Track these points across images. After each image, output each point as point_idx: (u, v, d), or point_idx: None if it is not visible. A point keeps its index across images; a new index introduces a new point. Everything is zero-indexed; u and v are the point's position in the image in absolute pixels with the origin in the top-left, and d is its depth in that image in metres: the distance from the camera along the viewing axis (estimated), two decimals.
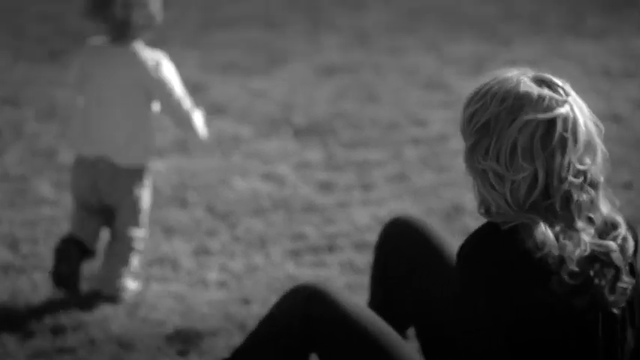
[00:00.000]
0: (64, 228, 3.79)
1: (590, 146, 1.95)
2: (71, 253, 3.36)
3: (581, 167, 1.95)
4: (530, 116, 1.90)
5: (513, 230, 1.94)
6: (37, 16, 7.50)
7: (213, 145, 4.76)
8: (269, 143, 4.88)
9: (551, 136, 1.91)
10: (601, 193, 2.00)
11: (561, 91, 1.94)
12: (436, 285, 2.56)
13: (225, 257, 3.73)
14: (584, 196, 1.96)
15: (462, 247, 2.00)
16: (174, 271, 3.61)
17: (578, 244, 1.96)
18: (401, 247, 2.68)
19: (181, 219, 4.03)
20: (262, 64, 6.21)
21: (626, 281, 2.01)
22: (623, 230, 2.04)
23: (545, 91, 1.92)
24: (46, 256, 3.61)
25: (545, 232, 1.93)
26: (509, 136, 1.92)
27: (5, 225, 3.96)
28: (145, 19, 3.37)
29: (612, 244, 2.01)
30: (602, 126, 2.00)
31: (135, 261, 3.50)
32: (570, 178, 1.94)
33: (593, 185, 1.97)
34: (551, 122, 1.91)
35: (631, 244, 2.05)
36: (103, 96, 3.43)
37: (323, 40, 6.76)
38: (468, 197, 4.09)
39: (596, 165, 1.98)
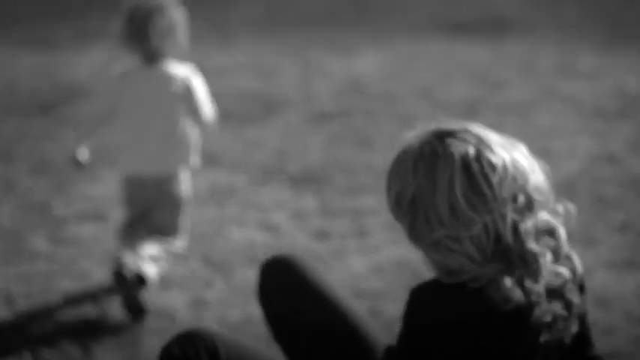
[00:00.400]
0: (59, 283, 3.77)
1: (519, 174, 1.94)
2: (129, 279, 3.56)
3: (519, 198, 1.94)
4: (447, 172, 1.89)
5: (477, 290, 1.90)
6: (29, 70, 7.54)
7: (207, 195, 4.75)
8: (264, 192, 4.87)
9: (474, 180, 1.89)
10: (544, 215, 1.98)
11: (464, 135, 1.92)
12: (312, 321, 2.50)
13: (222, 308, 3.70)
14: (529, 224, 1.94)
15: (415, 316, 1.94)
16: (171, 323, 3.58)
17: (540, 281, 1.94)
18: (278, 287, 2.58)
19: (177, 270, 4.00)
20: (255, 112, 6.22)
21: (580, 307, 2.03)
22: (565, 249, 2.02)
23: (449, 141, 1.90)
24: (42, 311, 3.59)
25: (510, 284, 1.91)
26: (440, 200, 1.89)
27: (0, 280, 3.93)
28: (175, 47, 3.81)
29: (565, 272, 2.00)
30: (525, 154, 2.01)
31: (159, 250, 3.77)
32: (511, 213, 1.91)
33: (531, 208, 1.95)
34: (466, 167, 1.89)
35: (577, 263, 2.06)
36: (140, 116, 3.80)
37: (315, 87, 6.77)
38: None
39: (534, 189, 1.96)
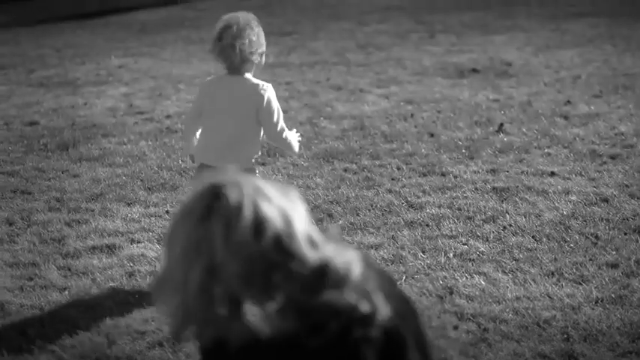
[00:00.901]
0: (70, 311, 3.96)
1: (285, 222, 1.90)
2: None
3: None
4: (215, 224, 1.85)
5: None
6: (50, 110, 7.79)
7: None
8: None
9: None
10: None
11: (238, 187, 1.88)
12: None
13: None
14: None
15: None
16: None
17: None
18: None
19: None
20: (262, 149, 6.42)
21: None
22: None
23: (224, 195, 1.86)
24: (53, 338, 3.77)
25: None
26: (227, 259, 1.84)
27: (14, 309, 4.13)
28: (255, 63, 4.41)
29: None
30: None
31: None
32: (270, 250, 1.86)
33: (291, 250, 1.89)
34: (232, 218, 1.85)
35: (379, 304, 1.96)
36: (222, 114, 4.43)
37: (323, 128, 6.98)
38: (461, 280, 4.27)
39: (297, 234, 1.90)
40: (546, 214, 5.10)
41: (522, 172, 5.83)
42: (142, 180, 5.85)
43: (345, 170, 5.99)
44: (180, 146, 6.41)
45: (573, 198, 5.34)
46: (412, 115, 7.30)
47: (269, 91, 4.38)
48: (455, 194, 5.48)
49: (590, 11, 13.00)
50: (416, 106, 7.62)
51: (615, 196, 5.36)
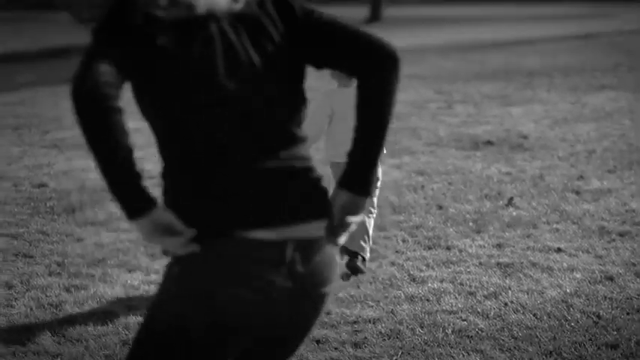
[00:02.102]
0: None
1: None
2: None
3: None
4: None
5: None
6: (61, 172, 7.83)
7: None
8: None
9: None
10: None
11: None
12: None
13: None
14: None
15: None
16: None
17: None
18: None
19: None
20: None
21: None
22: None
23: None
24: None
25: None
26: None
27: None
28: None
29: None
30: None
31: (372, 224, 5.50)
32: None
33: None
34: None
35: None
36: (345, 119, 4.92)
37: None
38: (458, 358, 4.21)
39: None
40: (549, 292, 5.04)
41: (528, 248, 5.78)
42: (144, 246, 5.84)
43: None
44: None
45: (578, 275, 5.28)
46: (422, 187, 7.28)
47: None
48: (458, 269, 5.43)
49: (613, 84, 13.00)
50: (427, 177, 7.60)
51: (621, 274, 5.29)
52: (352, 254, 5.41)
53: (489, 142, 8.86)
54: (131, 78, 2.32)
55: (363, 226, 5.41)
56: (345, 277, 5.30)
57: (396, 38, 21.19)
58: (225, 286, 2.29)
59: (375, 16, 28.25)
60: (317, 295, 2.40)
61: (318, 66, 2.49)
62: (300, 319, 2.43)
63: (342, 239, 2.44)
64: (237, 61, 2.33)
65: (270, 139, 2.36)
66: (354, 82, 4.40)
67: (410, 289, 5.11)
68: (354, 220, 2.43)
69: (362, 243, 5.41)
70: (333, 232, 2.40)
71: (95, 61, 2.25)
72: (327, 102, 5.46)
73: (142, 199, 2.25)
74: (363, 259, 5.42)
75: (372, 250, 5.74)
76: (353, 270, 5.38)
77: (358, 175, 2.43)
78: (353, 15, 29.08)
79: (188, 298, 2.31)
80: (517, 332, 4.50)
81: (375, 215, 5.55)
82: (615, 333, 4.50)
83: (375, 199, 5.53)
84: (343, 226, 2.42)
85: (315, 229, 2.36)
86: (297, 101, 2.44)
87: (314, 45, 2.44)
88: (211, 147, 2.32)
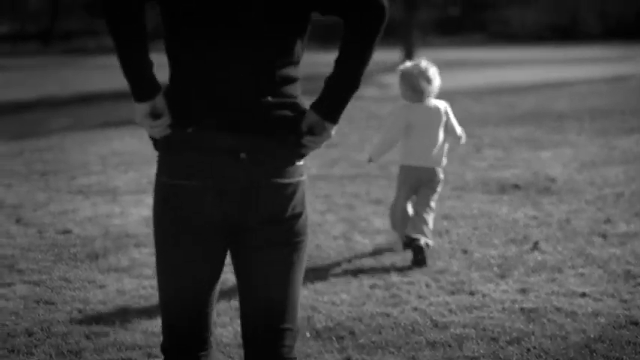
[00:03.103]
0: None
1: None
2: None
3: None
4: None
5: None
6: (85, 218, 7.85)
7: (233, 348, 4.89)
8: None
9: None
10: None
11: None
12: None
13: None
14: None
15: None
16: None
17: None
18: None
19: None
20: None
21: None
22: None
23: None
24: None
25: None
26: None
27: None
28: (435, 89, 6.62)
29: None
30: None
31: (432, 219, 6.60)
32: None
33: None
34: None
35: None
36: (421, 129, 6.58)
37: (356, 243, 6.95)
38: None
39: None
40: (573, 337, 4.97)
41: (553, 293, 5.71)
42: None
43: (373, 287, 5.92)
44: None
45: (602, 320, 5.21)
46: (447, 231, 7.24)
47: (448, 108, 6.72)
48: (481, 314, 5.38)
49: None
50: (452, 221, 7.56)
51: None
52: (414, 241, 6.35)
53: (516, 186, 8.80)
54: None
55: (421, 218, 6.52)
56: (403, 246, 6.56)
57: None
58: (185, 179, 2.87)
59: (407, 60, 28.38)
60: (272, 184, 2.91)
61: (323, 12, 2.97)
62: (266, 205, 2.92)
63: (305, 152, 2.98)
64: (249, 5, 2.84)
65: (265, 73, 2.90)
66: (425, 100, 6.56)
67: (432, 335, 5.06)
68: (317, 140, 2.97)
69: (424, 228, 6.47)
70: (299, 145, 2.94)
71: None
72: (404, 114, 6.60)
73: (150, 86, 2.86)
74: (427, 244, 6.40)
75: (394, 296, 5.72)
76: (418, 263, 6.35)
77: (329, 102, 2.96)
78: (385, 58, 29.20)
79: (157, 195, 2.96)
80: None
81: (434, 213, 6.76)
82: None
83: (436, 198, 6.72)
84: (307, 142, 2.95)
85: (275, 140, 2.89)
86: (295, 49, 2.96)
87: None
88: (216, 66, 2.87)
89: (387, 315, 5.38)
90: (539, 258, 6.46)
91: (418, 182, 6.62)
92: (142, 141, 12.83)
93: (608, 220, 7.46)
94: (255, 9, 2.84)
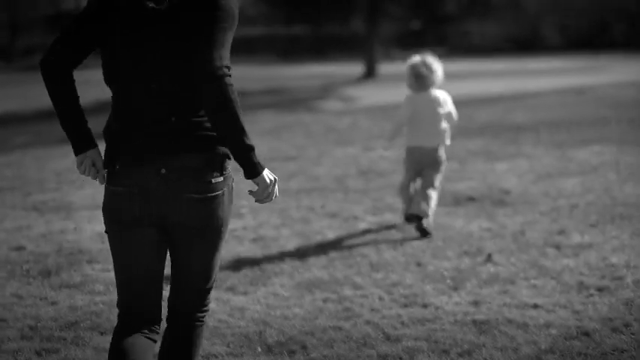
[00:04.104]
0: None
1: None
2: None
3: None
4: None
5: None
6: (39, 235, 7.79)
7: None
8: None
9: None
10: None
11: None
12: None
13: None
14: None
15: None
16: None
17: None
18: None
19: None
20: (246, 278, 6.39)
21: None
22: None
23: None
24: None
25: None
26: None
27: None
28: (437, 80, 7.72)
29: None
30: None
31: (435, 196, 7.58)
32: None
33: None
34: None
35: None
36: (424, 115, 7.69)
37: (310, 257, 6.95)
38: None
39: None
40: (524, 348, 4.99)
41: (505, 304, 5.74)
42: None
43: (326, 300, 5.92)
44: None
45: (554, 331, 5.24)
46: (402, 244, 7.25)
47: (447, 97, 7.81)
48: (433, 326, 5.39)
49: (599, 138, 13.02)
50: (407, 234, 7.58)
51: (597, 330, 5.25)
52: (417, 218, 7.37)
53: (471, 198, 8.85)
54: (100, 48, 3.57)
55: (425, 194, 7.50)
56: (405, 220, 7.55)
57: (387, 94, 21.26)
58: (119, 186, 3.54)
59: (368, 74, 28.39)
60: (189, 199, 3.51)
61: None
62: (183, 212, 3.54)
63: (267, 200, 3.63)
64: (158, 51, 3.47)
65: (172, 105, 3.49)
66: (428, 89, 7.70)
67: (383, 348, 5.06)
68: (259, 193, 3.57)
69: (424, 207, 7.38)
70: (261, 200, 3.62)
71: (63, 40, 3.51)
72: (410, 103, 7.71)
73: (86, 141, 3.59)
74: (427, 222, 7.44)
75: (347, 309, 5.72)
76: (421, 232, 7.41)
77: (243, 167, 3.47)
78: (347, 71, 29.26)
79: (104, 197, 3.66)
80: None
81: (438, 190, 7.79)
82: None
83: (439, 178, 7.73)
84: (255, 195, 3.60)
85: (187, 158, 3.49)
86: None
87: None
88: (134, 107, 3.52)
89: (340, 328, 5.38)
90: (493, 270, 6.49)
91: (420, 162, 7.68)
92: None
93: (562, 232, 7.51)
94: (159, 55, 3.48)
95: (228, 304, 5.86)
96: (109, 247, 6.81)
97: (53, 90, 3.52)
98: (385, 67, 28.75)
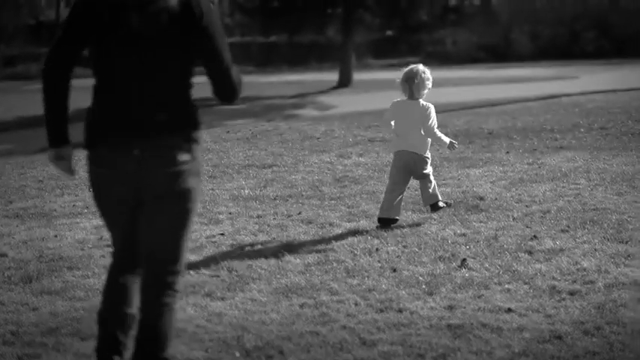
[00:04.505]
0: None
1: None
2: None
3: None
4: None
5: None
6: (20, 241, 7.85)
7: None
8: None
9: None
10: None
11: None
12: None
13: None
14: None
15: None
16: None
17: None
18: None
19: None
20: (224, 284, 6.48)
21: None
22: None
23: None
24: None
25: None
26: None
27: None
28: (421, 93, 8.25)
29: None
30: None
31: (433, 185, 8.46)
32: None
33: None
34: None
35: None
36: (404, 123, 8.28)
37: (287, 262, 7.04)
38: None
39: None
40: (497, 352, 5.10)
41: (479, 309, 5.85)
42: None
43: (302, 306, 6.01)
44: None
45: (527, 335, 5.36)
46: (377, 250, 7.36)
47: (429, 108, 8.26)
48: (409, 331, 5.49)
49: (571, 145, 13.17)
50: (382, 240, 7.68)
51: (569, 333, 5.37)
52: (434, 206, 8.45)
53: (446, 204, 8.96)
54: (91, 46, 4.21)
55: (425, 188, 8.42)
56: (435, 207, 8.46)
57: (363, 102, 21.28)
58: (100, 167, 4.27)
59: (344, 82, 28.47)
60: (161, 173, 4.19)
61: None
62: (156, 183, 4.21)
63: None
64: (143, 40, 4.17)
65: (149, 97, 4.19)
66: (412, 97, 8.25)
67: (360, 353, 5.16)
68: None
69: (432, 195, 8.43)
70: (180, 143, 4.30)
71: (64, 42, 4.21)
72: (391, 108, 8.38)
73: (62, 137, 4.28)
74: (445, 203, 8.59)
75: (324, 314, 5.82)
76: (448, 205, 8.70)
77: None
78: (322, 79, 29.34)
79: (89, 176, 4.38)
80: None
81: (434, 182, 8.49)
82: None
83: (430, 171, 8.46)
84: None
85: (159, 139, 4.18)
86: (183, 65, 4.28)
87: (200, 49, 4.27)
88: (115, 92, 4.22)
89: (316, 333, 5.48)
90: (467, 275, 6.60)
91: (406, 165, 8.30)
92: (78, 165, 12.80)
93: (534, 237, 7.63)
94: (144, 52, 4.19)
95: (206, 310, 5.94)
96: (89, 254, 6.91)
97: (54, 90, 4.21)
98: (360, 75, 28.86)
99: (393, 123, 8.36)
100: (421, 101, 8.22)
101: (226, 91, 4.34)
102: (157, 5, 4.15)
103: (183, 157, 4.20)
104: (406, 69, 8.30)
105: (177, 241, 4.33)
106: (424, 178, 8.35)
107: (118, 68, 4.17)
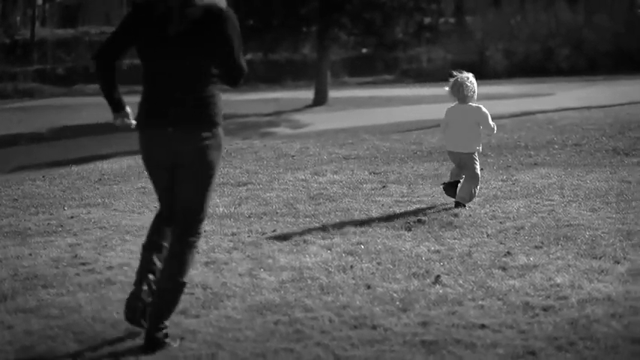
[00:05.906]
0: None
1: None
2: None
3: None
4: None
5: None
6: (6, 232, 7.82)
7: None
8: None
9: None
10: None
11: None
12: None
13: None
14: None
15: None
16: None
17: None
18: None
19: None
20: (198, 301, 6.47)
21: None
22: None
23: None
24: None
25: None
26: None
27: None
28: (473, 96, 9.81)
29: None
30: None
31: (474, 186, 9.81)
32: None
33: None
34: None
35: None
36: (458, 126, 9.82)
37: (261, 280, 7.05)
38: None
39: None
40: None
41: (453, 325, 5.87)
42: (74, 332, 5.87)
43: (277, 322, 6.02)
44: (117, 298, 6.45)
45: (500, 351, 5.38)
46: (351, 267, 7.38)
47: (482, 108, 9.71)
48: (383, 347, 5.51)
49: (545, 161, 13.26)
50: (357, 257, 7.70)
51: (543, 348, 5.40)
52: (459, 205, 9.63)
53: (420, 221, 9.00)
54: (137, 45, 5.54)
55: (466, 187, 9.71)
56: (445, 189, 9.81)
57: (338, 120, 21.32)
58: (145, 140, 5.66)
59: (319, 100, 28.53)
60: (187, 147, 5.50)
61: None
62: (184, 154, 5.52)
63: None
64: (176, 46, 5.44)
65: (184, 84, 5.48)
66: (464, 102, 9.89)
67: None
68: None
69: (465, 195, 9.65)
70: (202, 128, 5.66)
71: (113, 39, 5.55)
72: (447, 113, 9.87)
73: (118, 105, 5.64)
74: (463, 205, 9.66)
75: (298, 331, 5.83)
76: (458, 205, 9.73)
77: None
78: (298, 97, 29.39)
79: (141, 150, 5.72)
80: None
81: (477, 180, 9.86)
82: None
83: (476, 169, 9.83)
84: None
85: (191, 124, 5.49)
86: (202, 71, 5.52)
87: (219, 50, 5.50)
88: (156, 83, 5.55)
89: (291, 350, 5.49)
90: (441, 291, 6.62)
91: (457, 161, 9.83)
92: (53, 183, 12.80)
93: (508, 253, 7.67)
94: (176, 55, 5.45)
95: (180, 327, 5.94)
96: (63, 272, 6.92)
97: (102, 73, 5.56)
98: (336, 93, 28.94)
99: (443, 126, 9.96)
100: (473, 104, 9.77)
101: (234, 76, 5.58)
102: (188, 12, 5.36)
103: (205, 134, 5.49)
104: (453, 78, 9.76)
105: (201, 198, 5.64)
106: (473, 178, 9.69)
107: (156, 66, 5.51)
